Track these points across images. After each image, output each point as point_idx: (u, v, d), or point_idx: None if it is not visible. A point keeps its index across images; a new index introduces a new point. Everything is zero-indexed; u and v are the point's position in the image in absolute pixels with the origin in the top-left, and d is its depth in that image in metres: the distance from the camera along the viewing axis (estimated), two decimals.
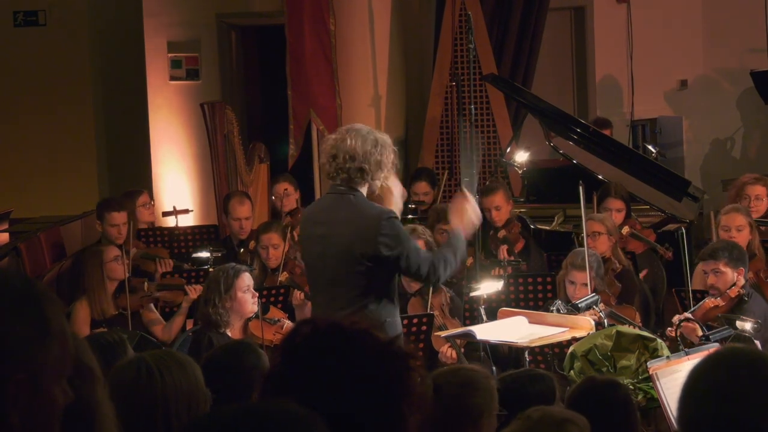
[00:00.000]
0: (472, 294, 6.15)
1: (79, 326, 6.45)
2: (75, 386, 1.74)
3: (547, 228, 8.18)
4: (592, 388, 3.80)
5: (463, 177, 7.73)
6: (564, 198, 8.14)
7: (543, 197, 8.80)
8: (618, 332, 5.17)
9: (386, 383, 1.91)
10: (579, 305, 5.64)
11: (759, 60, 10.63)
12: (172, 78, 10.55)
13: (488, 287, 6.07)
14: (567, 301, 6.01)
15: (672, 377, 4.57)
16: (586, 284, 6.03)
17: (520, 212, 8.28)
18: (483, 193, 7.67)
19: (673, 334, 5.55)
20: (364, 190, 4.87)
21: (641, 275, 7.17)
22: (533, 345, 5.37)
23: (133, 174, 11.21)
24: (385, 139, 4.88)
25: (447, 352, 6.07)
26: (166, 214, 8.92)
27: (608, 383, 3.89)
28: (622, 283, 6.63)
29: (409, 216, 7.85)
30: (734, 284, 5.93)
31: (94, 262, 6.75)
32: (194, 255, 7.62)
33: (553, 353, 5.79)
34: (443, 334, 5.90)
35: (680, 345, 5.16)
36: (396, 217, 4.83)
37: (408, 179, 8.93)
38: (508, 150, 8.72)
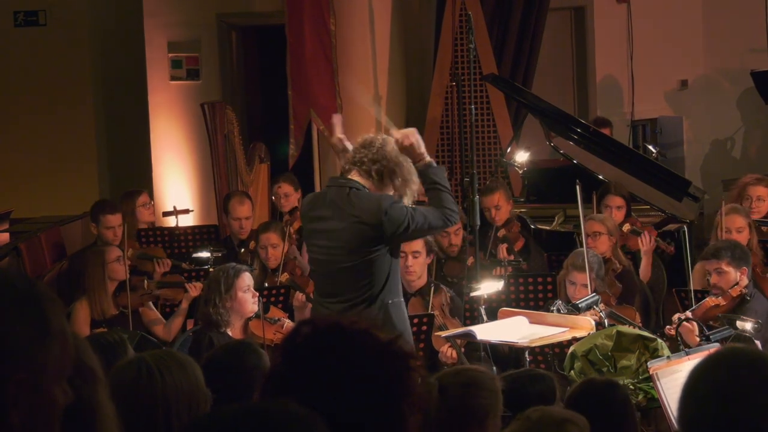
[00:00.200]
0: (473, 294, 6.16)
1: (79, 326, 6.44)
2: (76, 386, 1.74)
3: (548, 228, 8.18)
4: (591, 388, 3.81)
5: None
6: (564, 198, 8.12)
7: (543, 197, 8.79)
8: (618, 332, 5.17)
9: (386, 383, 1.91)
10: (579, 305, 5.64)
11: (759, 60, 10.62)
12: (173, 78, 10.54)
13: (488, 287, 6.07)
14: (567, 301, 6.01)
15: (672, 377, 4.57)
16: (586, 285, 6.02)
17: (521, 212, 8.28)
18: (483, 192, 7.67)
19: (672, 333, 5.55)
20: (369, 185, 4.92)
21: (641, 275, 7.17)
22: (533, 345, 5.37)
23: (133, 174, 11.20)
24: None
25: (447, 352, 6.07)
26: (166, 214, 8.92)
27: (607, 384, 3.90)
28: (623, 283, 6.63)
29: None
30: (737, 283, 5.92)
31: (96, 262, 6.74)
32: (194, 255, 7.62)
33: (553, 353, 5.79)
34: (443, 334, 5.90)
35: (680, 345, 5.16)
36: (397, 201, 4.90)
37: None
38: (509, 150, 8.71)
